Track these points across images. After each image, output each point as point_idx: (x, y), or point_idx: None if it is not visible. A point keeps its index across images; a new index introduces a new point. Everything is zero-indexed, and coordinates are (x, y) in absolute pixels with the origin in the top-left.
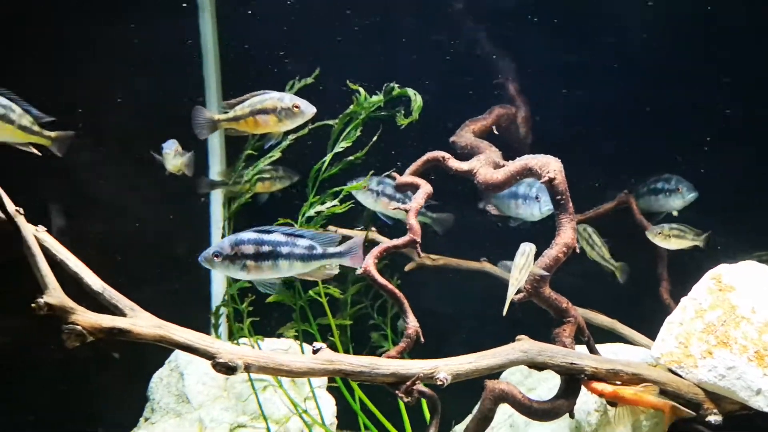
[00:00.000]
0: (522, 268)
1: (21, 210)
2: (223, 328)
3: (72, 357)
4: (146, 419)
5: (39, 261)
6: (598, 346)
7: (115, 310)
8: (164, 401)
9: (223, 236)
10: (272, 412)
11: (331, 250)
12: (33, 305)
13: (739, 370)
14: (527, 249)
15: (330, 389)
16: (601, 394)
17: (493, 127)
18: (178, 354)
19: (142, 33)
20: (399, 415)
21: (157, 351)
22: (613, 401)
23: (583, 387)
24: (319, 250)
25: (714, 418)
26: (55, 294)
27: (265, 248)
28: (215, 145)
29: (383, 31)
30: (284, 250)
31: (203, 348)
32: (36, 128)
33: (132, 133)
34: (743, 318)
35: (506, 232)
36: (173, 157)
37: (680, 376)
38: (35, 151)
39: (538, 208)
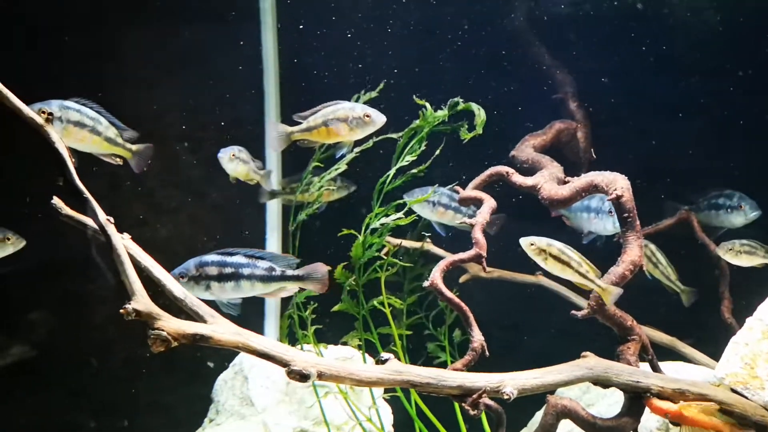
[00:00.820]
0: (580, 256)
1: (111, 219)
2: (275, 334)
3: (136, 359)
4: (211, 420)
5: (127, 268)
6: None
7: (195, 317)
8: (229, 403)
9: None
10: (332, 418)
11: (290, 272)
12: (121, 311)
13: None
14: (560, 243)
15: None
16: (665, 414)
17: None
18: (242, 357)
19: (207, 44)
20: (456, 424)
21: (216, 354)
22: (677, 422)
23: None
24: (278, 271)
25: None
26: (142, 300)
27: (228, 269)
28: (272, 154)
29: (443, 44)
30: (246, 271)
31: (279, 356)
32: (120, 140)
33: (193, 141)
34: None
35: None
36: (228, 161)
37: (745, 398)
38: (118, 161)
39: (611, 223)
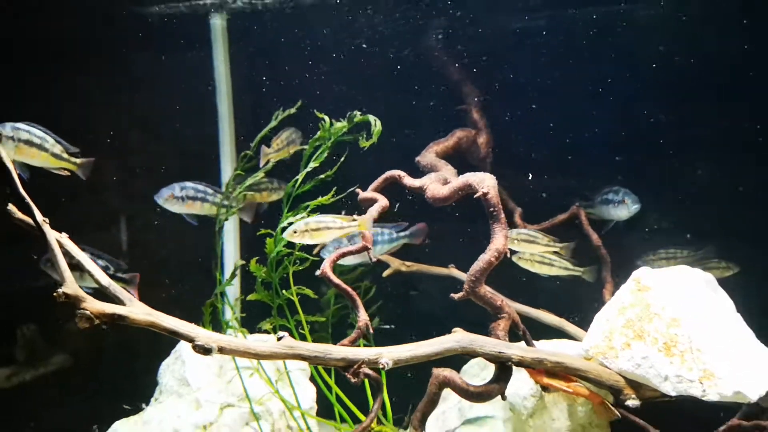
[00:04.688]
0: (332, 216)
1: (47, 219)
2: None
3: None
4: (155, 399)
5: (59, 260)
6: (545, 342)
7: (117, 301)
8: (169, 384)
9: (216, 242)
10: (255, 395)
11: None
12: (54, 294)
13: (651, 359)
14: (313, 217)
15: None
16: (537, 381)
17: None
18: (181, 345)
19: (161, 66)
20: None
21: (167, 344)
22: (547, 387)
23: (524, 375)
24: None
25: (632, 402)
26: (71, 286)
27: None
28: (227, 165)
29: (372, 66)
30: None
31: (185, 333)
32: (65, 156)
33: (150, 156)
34: (655, 314)
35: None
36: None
37: (606, 366)
38: (66, 173)
39: (626, 209)
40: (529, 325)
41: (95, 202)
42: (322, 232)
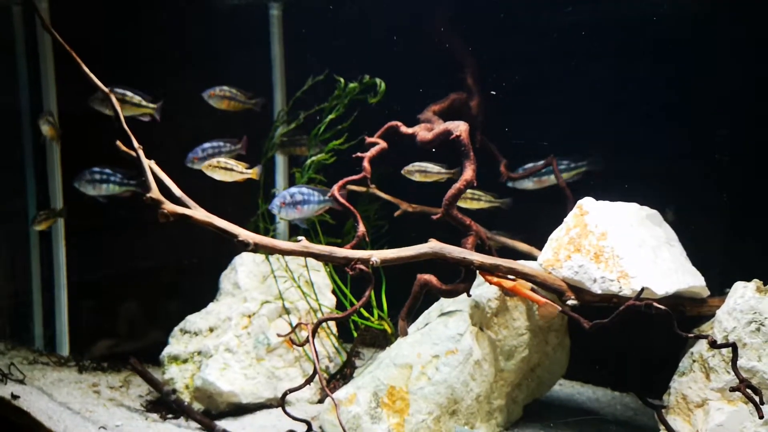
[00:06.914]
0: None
1: (141, 147)
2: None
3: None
4: (216, 299)
5: (148, 176)
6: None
7: (186, 206)
8: (226, 288)
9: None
10: (289, 297)
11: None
12: (144, 198)
13: (586, 266)
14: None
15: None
16: (496, 284)
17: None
18: (236, 259)
19: (232, 53)
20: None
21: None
22: (506, 291)
23: (486, 283)
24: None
25: (571, 301)
26: (155, 192)
27: None
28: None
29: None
30: None
31: (231, 231)
32: (144, 103)
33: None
34: (590, 232)
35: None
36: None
37: (551, 274)
38: (147, 118)
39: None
40: (508, 254)
41: (179, 152)
42: (227, 171)
